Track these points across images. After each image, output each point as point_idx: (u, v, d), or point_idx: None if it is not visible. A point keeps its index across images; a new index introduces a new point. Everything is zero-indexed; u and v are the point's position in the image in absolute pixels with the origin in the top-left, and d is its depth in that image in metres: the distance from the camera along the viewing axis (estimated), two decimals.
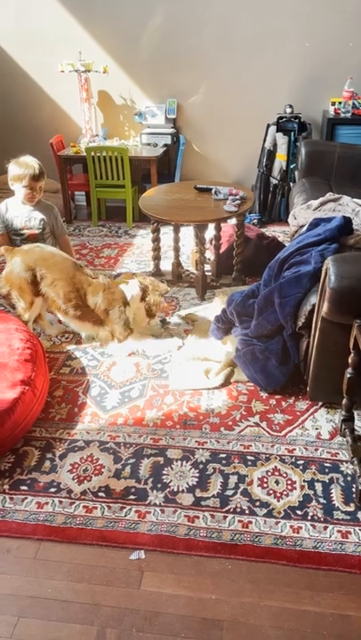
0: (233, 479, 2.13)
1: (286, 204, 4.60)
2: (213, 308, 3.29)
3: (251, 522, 1.95)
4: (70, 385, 2.72)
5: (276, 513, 1.98)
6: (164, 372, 2.79)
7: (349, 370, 2.14)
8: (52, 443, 2.34)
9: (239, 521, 1.95)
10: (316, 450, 2.26)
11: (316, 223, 2.82)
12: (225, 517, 1.97)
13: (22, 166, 3.05)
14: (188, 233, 4.27)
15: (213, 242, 3.71)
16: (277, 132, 4.50)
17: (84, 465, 2.22)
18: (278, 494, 2.06)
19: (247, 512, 1.99)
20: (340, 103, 4.42)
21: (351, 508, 2.00)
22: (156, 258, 3.70)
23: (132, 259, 4.18)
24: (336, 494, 2.05)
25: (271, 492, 2.07)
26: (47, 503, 2.04)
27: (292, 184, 4.51)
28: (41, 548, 1.89)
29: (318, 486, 2.09)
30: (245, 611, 1.68)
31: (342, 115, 4.40)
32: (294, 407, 2.52)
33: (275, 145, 4.56)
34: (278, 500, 2.03)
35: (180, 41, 4.65)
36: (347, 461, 2.20)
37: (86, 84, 4.72)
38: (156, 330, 3.14)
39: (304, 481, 2.11)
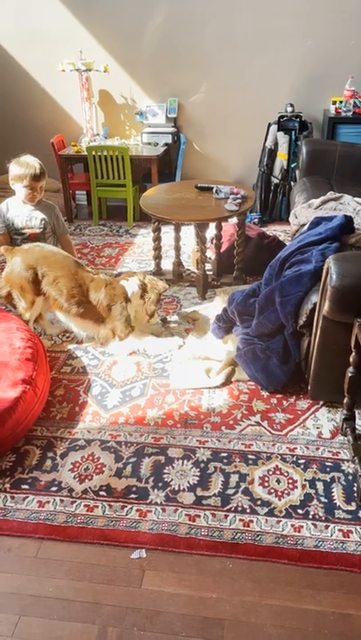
0: (234, 478, 2.13)
1: (287, 203, 4.60)
2: (214, 307, 3.29)
3: (252, 521, 1.95)
4: (71, 384, 2.72)
5: (277, 512, 1.98)
6: (164, 371, 2.79)
7: (351, 369, 2.14)
8: (53, 442, 2.34)
9: (240, 520, 1.95)
10: (318, 449, 2.26)
11: (317, 222, 2.82)
12: (226, 516, 1.97)
13: (23, 166, 3.05)
14: (188, 232, 4.26)
15: (214, 241, 3.71)
16: (278, 130, 4.50)
17: (85, 464, 2.22)
18: (279, 493, 2.06)
19: (248, 511, 1.99)
20: (341, 102, 4.42)
21: (352, 506, 2.00)
22: (157, 257, 3.70)
23: (132, 258, 4.18)
24: (337, 493, 2.05)
25: (272, 490, 2.07)
26: (48, 502, 2.04)
27: (293, 183, 4.51)
28: (42, 547, 1.89)
29: (319, 485, 2.09)
30: (246, 610, 1.68)
31: (343, 114, 4.40)
32: (295, 406, 2.51)
33: (276, 144, 4.56)
34: (279, 499, 2.03)
35: (180, 40, 4.65)
36: (348, 460, 2.20)
37: (87, 84, 4.72)
38: (157, 328, 3.14)
39: (305, 480, 2.11)
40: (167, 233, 4.04)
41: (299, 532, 1.91)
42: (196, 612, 1.67)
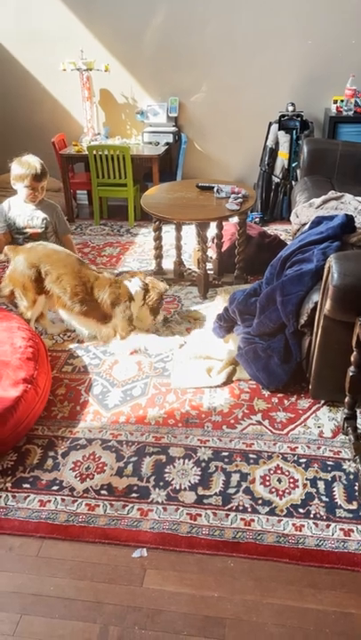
0: (235, 477, 2.13)
1: (288, 202, 4.60)
2: (215, 306, 3.28)
3: (253, 520, 1.95)
4: (72, 383, 2.72)
5: (278, 511, 1.98)
6: (166, 370, 2.79)
7: (352, 368, 2.13)
8: (54, 441, 2.34)
9: (241, 519, 1.95)
10: (319, 448, 2.26)
11: (318, 221, 2.82)
12: (227, 515, 1.97)
13: (24, 166, 3.05)
14: (189, 231, 4.26)
15: (215, 240, 3.71)
16: (279, 130, 4.49)
17: (87, 463, 2.22)
18: (281, 492, 2.06)
19: (249, 510, 1.99)
20: (342, 101, 4.41)
21: (354, 506, 2.00)
22: (158, 256, 3.70)
23: (133, 257, 4.18)
24: (338, 492, 2.05)
25: (273, 490, 2.07)
26: (50, 501, 2.05)
27: (294, 182, 4.50)
28: (43, 546, 1.89)
29: (321, 484, 2.09)
30: (248, 608, 1.68)
31: (344, 113, 4.40)
32: (296, 405, 2.51)
33: (277, 143, 4.56)
34: (281, 498, 2.03)
35: (181, 39, 4.65)
36: (349, 459, 2.20)
37: (88, 83, 4.72)
38: (158, 326, 3.14)
39: (306, 479, 2.11)
40: (168, 232, 4.04)
41: (300, 531, 1.91)
42: (197, 610, 1.67)
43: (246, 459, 2.22)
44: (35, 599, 1.72)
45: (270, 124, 4.56)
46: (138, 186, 4.81)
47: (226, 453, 2.25)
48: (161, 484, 2.11)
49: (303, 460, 2.20)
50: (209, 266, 3.69)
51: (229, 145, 5.00)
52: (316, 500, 2.02)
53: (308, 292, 2.40)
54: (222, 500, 2.03)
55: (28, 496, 2.07)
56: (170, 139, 4.77)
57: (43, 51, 4.82)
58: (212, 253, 3.78)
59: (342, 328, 2.13)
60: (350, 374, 2.15)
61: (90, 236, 4.61)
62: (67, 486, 2.11)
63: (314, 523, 1.93)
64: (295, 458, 2.22)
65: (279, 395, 2.58)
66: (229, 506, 2.01)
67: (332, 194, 3.43)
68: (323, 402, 2.52)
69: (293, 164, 4.54)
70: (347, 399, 2.25)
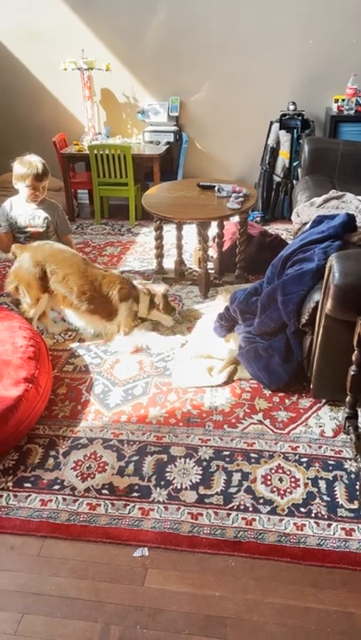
0: (236, 476, 2.13)
1: (289, 201, 4.59)
2: (216, 305, 3.28)
3: (254, 519, 1.95)
4: (74, 383, 2.72)
5: (279, 510, 1.98)
6: (167, 369, 2.79)
7: (353, 367, 2.13)
8: (55, 440, 2.35)
9: (243, 518, 1.95)
10: (320, 447, 2.26)
11: (319, 220, 2.82)
12: (228, 515, 1.97)
13: (26, 165, 3.05)
14: (190, 231, 4.26)
15: (216, 239, 3.71)
16: (280, 129, 4.49)
17: (88, 462, 2.22)
18: (282, 492, 2.06)
19: (251, 509, 1.99)
20: (343, 100, 4.40)
21: (355, 505, 1.99)
22: (159, 256, 3.69)
23: (134, 257, 4.18)
24: (340, 492, 2.05)
25: (275, 489, 2.07)
26: (51, 500, 2.05)
27: (295, 181, 4.50)
28: (45, 545, 1.89)
29: (322, 484, 2.09)
30: (249, 608, 1.68)
31: (346, 112, 4.39)
32: (298, 405, 2.51)
33: (278, 142, 4.55)
34: (282, 498, 2.03)
35: (182, 38, 4.64)
36: (350, 459, 2.20)
37: (89, 82, 4.71)
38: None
39: (308, 478, 2.11)
40: (169, 232, 4.04)
41: (301, 530, 1.91)
42: (198, 610, 1.67)
43: (247, 458, 2.22)
44: (36, 598, 1.73)
45: (271, 124, 4.55)
46: (139, 185, 4.81)
47: (227, 453, 2.25)
48: (162, 483, 2.11)
49: (304, 460, 2.20)
50: (210, 265, 3.69)
51: (230, 144, 5.00)
52: (317, 500, 2.02)
53: (309, 291, 2.40)
54: (224, 500, 2.03)
55: (30, 495, 2.08)
56: (171, 138, 4.77)
57: (44, 50, 4.82)
58: (212, 253, 3.78)
59: (343, 327, 2.13)
60: (352, 373, 2.15)
61: (91, 236, 4.61)
62: (68, 485, 2.11)
63: (315, 522, 1.93)
64: (296, 457, 2.21)
65: (280, 394, 2.58)
66: (231, 505, 2.01)
67: (333, 193, 3.43)
68: (324, 401, 2.51)
69: (294, 164, 4.54)
70: (348, 398, 2.25)
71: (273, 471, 2.15)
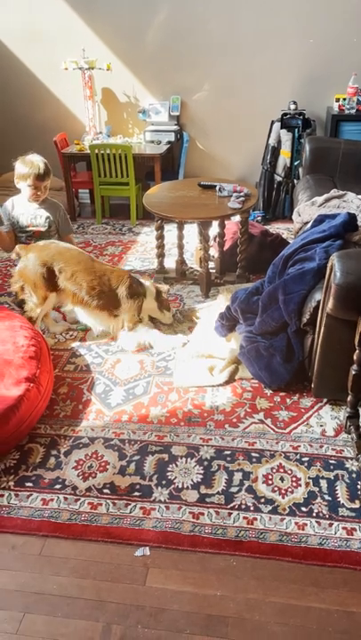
0: (238, 476, 2.13)
1: (290, 200, 4.59)
2: (217, 305, 3.28)
3: (256, 518, 1.95)
4: (75, 382, 2.72)
5: (281, 510, 1.98)
6: (168, 369, 2.79)
7: (354, 366, 2.13)
8: (56, 439, 2.35)
9: (244, 518, 1.95)
10: (321, 447, 2.26)
11: (320, 220, 2.82)
12: (230, 514, 1.97)
13: (27, 165, 3.05)
14: (192, 230, 4.26)
15: (217, 239, 3.71)
16: (281, 128, 4.49)
17: (89, 462, 2.22)
18: (283, 491, 2.06)
19: (252, 509, 1.99)
20: (344, 99, 4.40)
21: (356, 504, 1.99)
22: (160, 255, 3.69)
23: (135, 256, 4.18)
24: (341, 491, 2.05)
25: (276, 488, 2.07)
26: (52, 500, 2.05)
27: (296, 181, 4.50)
28: (46, 545, 1.89)
29: (323, 483, 2.09)
30: (250, 607, 1.68)
31: (347, 111, 4.39)
32: (299, 404, 2.51)
33: (279, 142, 4.55)
34: (283, 497, 2.03)
35: (183, 38, 4.64)
36: (352, 458, 2.20)
37: (90, 82, 4.71)
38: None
39: (309, 478, 2.11)
40: (170, 231, 4.04)
41: (303, 529, 1.90)
42: (200, 609, 1.67)
43: (249, 457, 2.22)
44: (37, 598, 1.73)
45: (272, 123, 4.55)
46: (140, 185, 4.81)
47: (228, 452, 2.25)
48: (163, 482, 2.11)
49: (306, 459, 2.20)
50: (211, 264, 3.69)
51: (231, 143, 5.00)
52: (318, 499, 2.02)
53: (310, 290, 2.40)
54: (225, 499, 2.03)
55: (31, 495, 2.08)
56: (172, 137, 4.77)
57: (44, 50, 4.82)
58: (214, 252, 3.77)
59: (345, 327, 2.13)
60: (353, 373, 2.15)
61: (92, 235, 4.62)
62: (69, 485, 2.11)
63: (316, 521, 1.93)
64: (298, 456, 2.21)
65: (281, 393, 2.58)
66: (232, 504, 2.01)
67: (334, 192, 3.43)
68: (325, 400, 2.51)
69: (295, 163, 4.54)
70: (349, 398, 2.25)
71: (274, 470, 2.15)
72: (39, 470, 2.19)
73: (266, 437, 2.32)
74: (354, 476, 2.12)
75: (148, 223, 4.74)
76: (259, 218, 4.68)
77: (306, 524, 1.92)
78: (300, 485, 2.08)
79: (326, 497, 2.03)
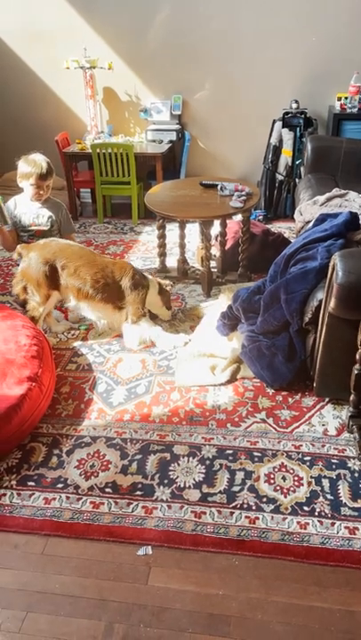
0: (240, 475, 2.13)
1: (292, 200, 4.59)
2: (219, 304, 3.28)
3: (258, 518, 1.95)
4: (77, 381, 2.72)
5: (283, 509, 1.98)
6: (170, 368, 2.79)
7: (357, 366, 2.13)
8: (58, 439, 2.35)
9: (246, 517, 1.95)
10: (323, 446, 2.26)
11: (322, 219, 2.81)
12: (232, 513, 1.97)
13: (30, 164, 3.05)
14: (193, 229, 4.26)
15: (219, 238, 3.71)
16: (283, 127, 4.49)
17: (91, 461, 2.22)
18: (285, 490, 2.06)
19: (254, 508, 1.99)
20: (346, 98, 4.39)
21: (358, 504, 1.99)
22: (162, 254, 3.69)
23: (137, 255, 4.18)
24: (343, 490, 2.05)
25: (278, 488, 2.07)
26: (54, 499, 2.05)
27: (297, 180, 4.49)
28: (48, 544, 1.89)
29: (325, 482, 2.09)
30: (253, 606, 1.68)
31: (348, 110, 4.38)
32: (301, 403, 2.51)
33: (280, 141, 4.55)
34: (285, 497, 2.03)
35: (184, 37, 4.64)
36: (354, 458, 2.19)
37: (91, 81, 4.71)
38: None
39: (311, 477, 2.11)
40: (172, 230, 4.03)
41: (305, 529, 1.90)
42: (202, 608, 1.68)
43: (251, 457, 2.22)
44: (40, 597, 1.73)
45: (274, 122, 4.55)
46: (141, 184, 4.81)
47: (230, 451, 2.25)
48: (165, 481, 2.11)
49: (308, 458, 2.20)
50: (213, 264, 3.68)
51: (233, 143, 4.99)
52: (320, 498, 2.02)
53: (312, 289, 2.40)
54: (227, 498, 2.03)
55: (33, 494, 2.08)
56: (173, 136, 4.77)
57: (46, 49, 4.82)
58: (215, 251, 3.77)
59: (347, 326, 2.12)
60: (355, 372, 2.14)
61: (93, 235, 4.62)
62: (71, 484, 2.12)
63: (319, 521, 1.93)
64: (300, 456, 2.21)
65: (283, 393, 2.58)
66: (234, 504, 2.01)
67: (336, 191, 3.42)
68: (327, 400, 2.51)
69: (297, 162, 4.53)
70: (352, 397, 2.25)
71: (276, 470, 2.15)
72: (41, 469, 2.19)
73: (268, 436, 2.32)
74: (356, 475, 2.11)
75: (149, 222, 4.74)
76: (260, 217, 4.68)
77: (308, 524, 1.92)
78: (303, 485, 2.08)
79: (328, 496, 2.03)
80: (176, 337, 3.01)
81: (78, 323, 3.22)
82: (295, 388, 2.60)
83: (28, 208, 3.18)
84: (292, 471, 2.14)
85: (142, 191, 4.63)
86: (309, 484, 2.08)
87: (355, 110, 4.37)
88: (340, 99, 4.44)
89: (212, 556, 1.84)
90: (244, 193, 3.35)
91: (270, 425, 2.39)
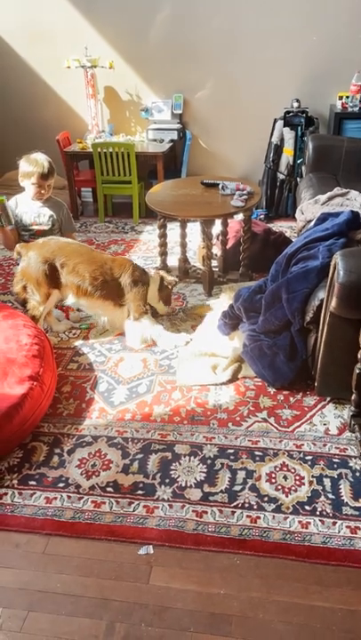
0: (241, 474, 2.13)
1: (293, 199, 4.58)
2: (220, 303, 3.28)
3: (259, 517, 1.95)
4: (78, 381, 2.72)
5: (284, 508, 1.98)
6: (171, 367, 2.79)
7: (358, 365, 2.13)
8: (60, 438, 2.35)
9: (247, 516, 1.95)
10: (325, 445, 2.26)
11: (323, 218, 2.81)
12: (233, 512, 1.97)
13: (32, 164, 3.05)
14: (194, 229, 4.26)
15: (220, 237, 3.70)
16: (284, 126, 4.48)
17: (93, 460, 2.22)
18: (287, 490, 2.05)
19: (255, 507, 1.98)
20: (347, 97, 4.39)
21: (360, 503, 1.99)
22: (163, 254, 3.69)
23: (138, 255, 4.18)
24: (345, 490, 2.05)
25: (279, 487, 2.07)
26: (56, 498, 2.05)
27: (299, 179, 4.49)
28: (50, 543, 1.89)
29: (327, 482, 2.08)
30: (254, 606, 1.68)
31: (350, 109, 4.38)
32: (302, 403, 2.51)
33: (282, 140, 4.54)
34: (287, 496, 2.03)
35: (185, 36, 4.63)
36: (355, 457, 2.19)
37: (92, 80, 4.71)
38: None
39: (312, 476, 2.11)
40: (173, 229, 4.03)
41: (306, 528, 1.90)
42: (203, 607, 1.67)
43: (252, 456, 2.21)
44: (41, 596, 1.73)
45: (275, 121, 4.54)
46: (142, 183, 4.81)
47: (231, 451, 2.25)
48: (167, 481, 2.11)
49: (309, 458, 2.20)
50: (214, 263, 3.68)
51: (234, 142, 4.99)
52: (322, 498, 2.02)
53: (313, 289, 2.40)
54: (228, 498, 2.03)
55: (35, 493, 2.08)
56: (174, 136, 4.76)
57: (47, 48, 4.82)
58: (216, 250, 3.77)
59: (348, 325, 2.12)
60: (357, 371, 2.14)
61: (94, 234, 4.62)
62: (73, 483, 2.12)
63: (320, 520, 1.93)
64: (301, 455, 2.21)
65: (285, 392, 2.58)
66: (235, 503, 2.00)
67: (337, 190, 3.42)
68: (328, 399, 2.51)
69: (298, 161, 4.53)
70: (353, 396, 2.24)
71: (278, 469, 2.15)
72: (42, 469, 2.19)
73: (269, 436, 2.32)
74: (358, 474, 2.11)
75: (150, 221, 4.73)
76: (262, 216, 4.67)
77: (309, 523, 1.92)
78: (304, 484, 2.08)
79: (330, 495, 2.02)
80: (177, 336, 3.00)
81: (79, 322, 3.22)
82: (297, 387, 2.59)
83: (29, 207, 3.18)
84: (293, 470, 2.14)
85: (143, 190, 4.63)
86: (311, 483, 2.08)
87: (356, 109, 4.36)
88: (341, 98, 4.43)
89: (214, 555, 1.83)
90: (245, 192, 3.35)
91: (272, 424, 2.38)
